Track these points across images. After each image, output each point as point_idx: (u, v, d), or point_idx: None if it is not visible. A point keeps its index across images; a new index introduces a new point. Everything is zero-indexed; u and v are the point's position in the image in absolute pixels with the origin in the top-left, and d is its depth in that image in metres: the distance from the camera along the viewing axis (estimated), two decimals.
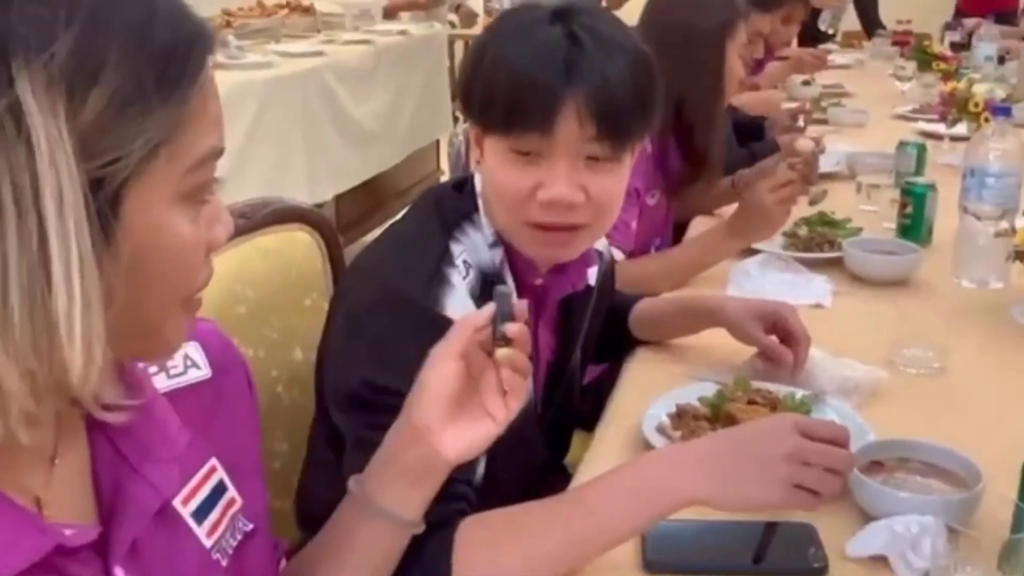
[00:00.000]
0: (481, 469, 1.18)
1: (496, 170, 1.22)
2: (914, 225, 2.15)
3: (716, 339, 1.60)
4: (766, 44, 3.75)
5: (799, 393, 1.40)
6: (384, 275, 1.23)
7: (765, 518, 1.12)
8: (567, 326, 1.41)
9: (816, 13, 4.66)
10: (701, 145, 2.14)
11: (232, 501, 0.87)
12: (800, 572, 1.08)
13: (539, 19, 1.20)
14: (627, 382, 1.55)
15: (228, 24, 4.14)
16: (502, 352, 0.93)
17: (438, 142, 5.45)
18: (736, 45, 2.14)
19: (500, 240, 1.27)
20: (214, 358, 0.91)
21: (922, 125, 3.31)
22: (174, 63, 0.65)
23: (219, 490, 0.86)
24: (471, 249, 1.25)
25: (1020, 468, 1.05)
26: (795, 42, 4.85)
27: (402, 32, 5.12)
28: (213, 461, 0.86)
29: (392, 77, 4.81)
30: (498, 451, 1.15)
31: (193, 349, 0.89)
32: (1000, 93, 2.83)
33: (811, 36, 5.13)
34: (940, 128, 3.15)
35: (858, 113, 3.54)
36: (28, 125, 0.58)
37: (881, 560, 1.08)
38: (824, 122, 3.42)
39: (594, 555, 1.06)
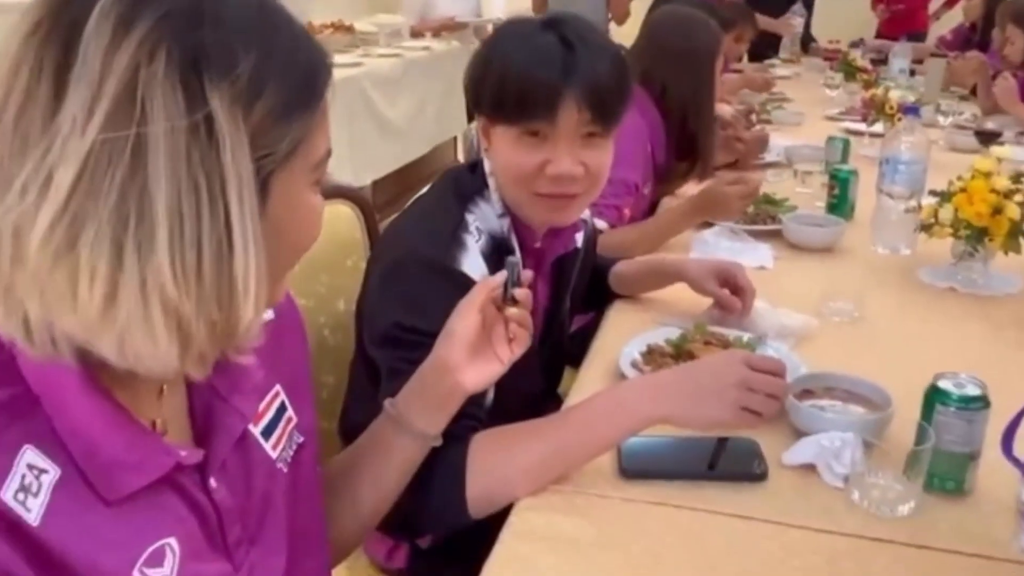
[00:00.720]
0: (491, 396, 1.17)
1: (507, 152, 1.21)
2: (840, 203, 2.12)
3: (679, 293, 1.59)
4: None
5: (745, 336, 1.39)
6: (412, 240, 1.22)
7: (717, 434, 1.12)
8: (559, 281, 1.40)
9: (762, 34, 4.59)
10: (700, 147, 2.13)
11: (290, 419, 0.87)
12: (746, 477, 1.07)
13: (534, 29, 1.20)
14: (607, 328, 1.53)
15: None
16: (510, 310, 0.97)
17: (456, 137, 5.40)
18: (719, 64, 2.12)
19: (507, 211, 1.26)
20: (278, 307, 0.91)
21: (847, 124, 3.26)
22: (311, 81, 0.67)
23: (281, 410, 0.86)
24: (482, 218, 1.24)
25: (923, 394, 1.05)
26: (745, 58, 4.82)
27: (426, 48, 5.04)
28: (277, 387, 0.86)
29: (418, 84, 4.75)
30: (506, 381, 1.15)
31: None
32: (911, 98, 2.80)
33: (758, 54, 5.08)
34: (862, 126, 3.11)
35: (796, 115, 3.49)
36: (218, 132, 0.59)
37: (810, 468, 1.07)
38: (768, 122, 3.39)
39: (580, 463, 1.05)
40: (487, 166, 1.27)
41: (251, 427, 0.81)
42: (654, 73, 2.08)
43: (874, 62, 4.49)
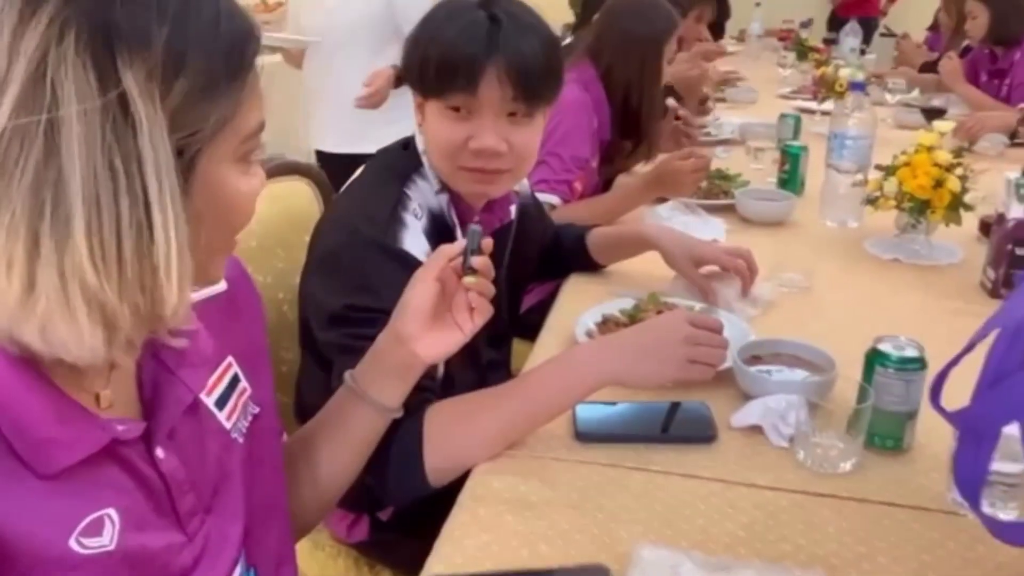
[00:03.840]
0: (441, 370, 1.20)
1: (435, 126, 1.22)
2: (791, 179, 2.18)
3: (639, 266, 1.63)
4: (680, 39, 3.74)
5: (697, 305, 1.43)
6: (353, 221, 1.21)
7: (670, 399, 1.16)
8: (497, 252, 1.41)
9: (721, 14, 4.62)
10: (644, 128, 2.16)
11: (244, 390, 0.87)
12: (696, 439, 1.10)
13: (467, 6, 1.20)
14: (563, 300, 1.56)
15: None
16: (469, 279, 0.95)
17: None
18: (669, 51, 2.15)
19: (444, 187, 1.27)
20: (228, 274, 0.89)
21: (799, 102, 3.33)
22: (236, 54, 0.65)
23: (234, 381, 0.86)
24: (421, 195, 1.24)
25: (863, 357, 1.09)
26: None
27: None
28: (230, 359, 0.86)
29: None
30: (450, 363, 1.18)
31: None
32: (860, 76, 2.86)
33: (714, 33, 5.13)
34: (813, 104, 3.19)
35: (750, 92, 3.55)
36: (133, 110, 0.58)
37: (758, 429, 1.11)
38: (723, 99, 3.44)
39: (535, 427, 1.08)
40: (419, 143, 1.28)
41: (203, 397, 0.81)
42: (602, 51, 2.12)
43: (826, 41, 4.57)
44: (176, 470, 0.75)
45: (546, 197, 1.88)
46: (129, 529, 0.70)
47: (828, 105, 2.91)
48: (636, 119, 2.13)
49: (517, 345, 1.59)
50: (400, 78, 1.32)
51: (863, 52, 4.22)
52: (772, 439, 1.10)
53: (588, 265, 1.65)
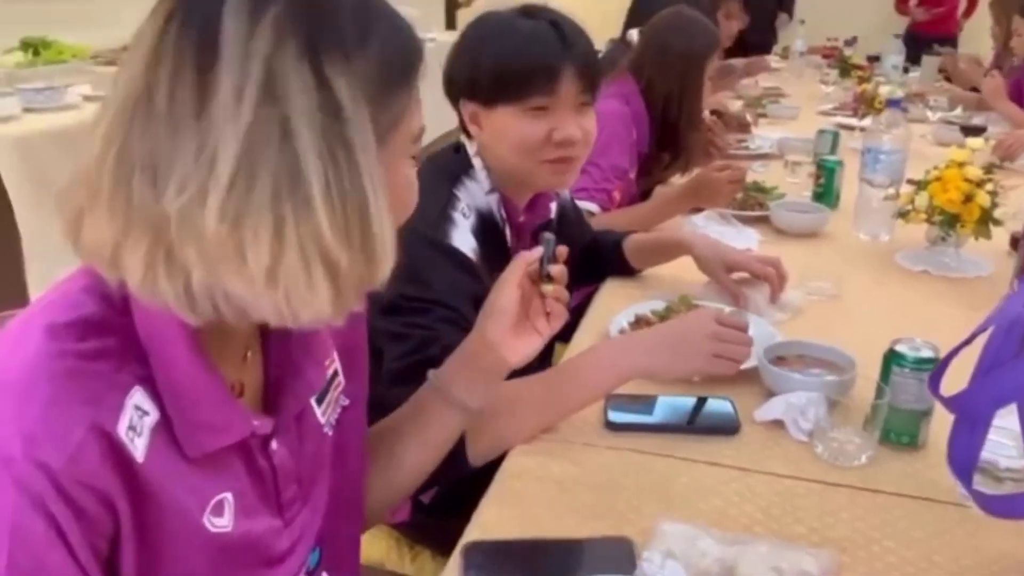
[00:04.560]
0: None
1: (513, 128, 1.30)
2: (826, 192, 2.22)
3: (668, 271, 1.70)
4: None
5: (727, 308, 1.48)
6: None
7: (697, 394, 1.22)
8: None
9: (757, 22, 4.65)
10: (681, 141, 2.21)
11: (339, 383, 0.90)
12: (719, 431, 1.16)
13: (512, 17, 1.31)
14: (599, 301, 1.63)
15: None
16: (547, 286, 0.98)
17: None
18: (710, 69, 2.20)
19: (494, 187, 1.35)
20: None
21: (839, 119, 3.36)
22: (408, 64, 0.71)
23: (333, 376, 0.89)
24: (470, 196, 1.32)
25: (882, 357, 1.14)
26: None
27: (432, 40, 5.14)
28: (334, 354, 0.89)
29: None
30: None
31: None
32: (900, 93, 2.89)
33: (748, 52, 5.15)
34: (853, 121, 3.22)
35: (791, 108, 3.59)
36: (344, 108, 0.64)
37: (779, 423, 1.16)
38: (764, 115, 3.48)
39: (569, 413, 1.14)
40: (471, 148, 1.36)
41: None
42: (644, 65, 2.18)
43: (869, 59, 4.58)
44: (285, 461, 0.80)
45: (585, 204, 1.95)
46: (240, 513, 0.75)
47: (868, 121, 2.94)
48: (674, 132, 2.19)
49: (556, 347, 1.66)
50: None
51: (906, 70, 4.23)
52: (792, 433, 1.15)
53: (624, 269, 1.72)
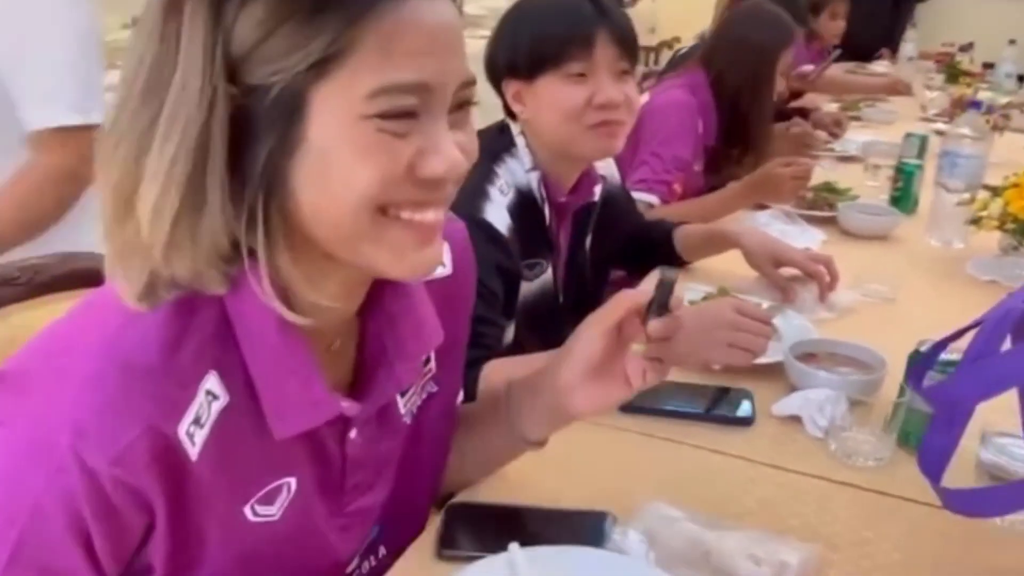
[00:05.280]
0: (510, 335, 1.28)
1: (554, 97, 1.31)
2: (903, 196, 2.13)
3: (719, 264, 1.66)
4: (819, 37, 3.67)
5: (765, 303, 1.45)
6: None
7: (719, 384, 1.20)
8: (579, 231, 1.49)
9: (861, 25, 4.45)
10: (751, 136, 2.16)
11: (430, 371, 0.86)
12: (733, 422, 1.14)
13: None
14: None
15: None
16: (654, 325, 0.78)
17: None
18: (784, 64, 2.14)
19: (536, 166, 1.36)
20: (456, 258, 0.88)
21: (939, 126, 3.21)
22: None
23: (425, 363, 0.85)
24: (510, 173, 1.34)
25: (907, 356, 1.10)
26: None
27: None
28: (433, 352, 0.85)
29: None
30: (524, 321, 1.25)
31: (444, 248, 0.78)
32: (1001, 100, 2.75)
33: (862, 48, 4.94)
34: (960, 130, 3.06)
35: (887, 113, 3.45)
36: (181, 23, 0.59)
37: (797, 419, 1.13)
38: (857, 118, 3.36)
39: None
40: (515, 128, 1.38)
41: None
42: (715, 57, 2.14)
43: (985, 65, 4.35)
44: (359, 450, 0.77)
45: (645, 196, 1.93)
46: (299, 498, 0.73)
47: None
48: (744, 127, 2.14)
49: None
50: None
51: (1022, 79, 3.99)
52: (808, 429, 1.12)
53: (674, 260, 1.69)
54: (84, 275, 0.96)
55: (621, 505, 0.94)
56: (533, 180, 1.35)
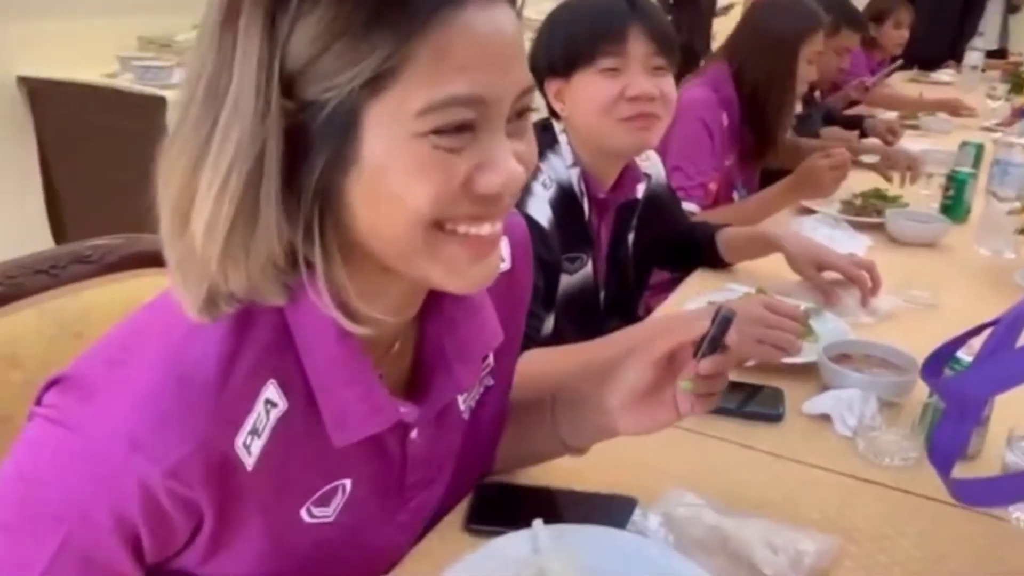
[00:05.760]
0: (550, 324, 1.31)
1: (589, 91, 1.35)
2: (955, 205, 2.10)
3: (762, 267, 1.67)
4: (880, 47, 3.62)
5: (803, 304, 1.45)
6: None
7: (752, 381, 1.22)
8: (620, 227, 1.52)
9: (925, 34, 4.37)
10: (768, 126, 2.13)
11: (488, 365, 0.86)
12: (764, 417, 1.15)
13: None
14: (684, 287, 1.63)
15: None
16: (704, 363, 0.78)
17: None
18: (809, 52, 2.08)
19: (577, 162, 1.39)
20: (514, 251, 0.88)
21: (1000, 136, 3.14)
22: (391, 6, 0.57)
23: (482, 360, 0.84)
24: (552, 169, 1.37)
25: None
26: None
27: None
28: (492, 354, 0.85)
29: None
30: (564, 313, 1.29)
31: (503, 242, 0.79)
32: None
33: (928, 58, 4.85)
34: (1013, 138, 3.00)
35: (945, 122, 3.39)
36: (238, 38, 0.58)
37: (827, 418, 1.14)
38: (915, 127, 3.31)
39: None
40: (557, 126, 1.41)
41: None
42: (738, 47, 2.13)
43: None
44: (419, 450, 0.77)
45: (685, 205, 1.94)
46: (356, 497, 0.73)
47: None
48: (762, 115, 2.11)
49: None
50: None
51: None
52: (837, 427, 1.13)
53: (716, 262, 1.71)
54: (149, 256, 1.02)
55: (645, 492, 0.96)
56: (574, 176, 1.38)
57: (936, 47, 4.92)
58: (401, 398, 0.73)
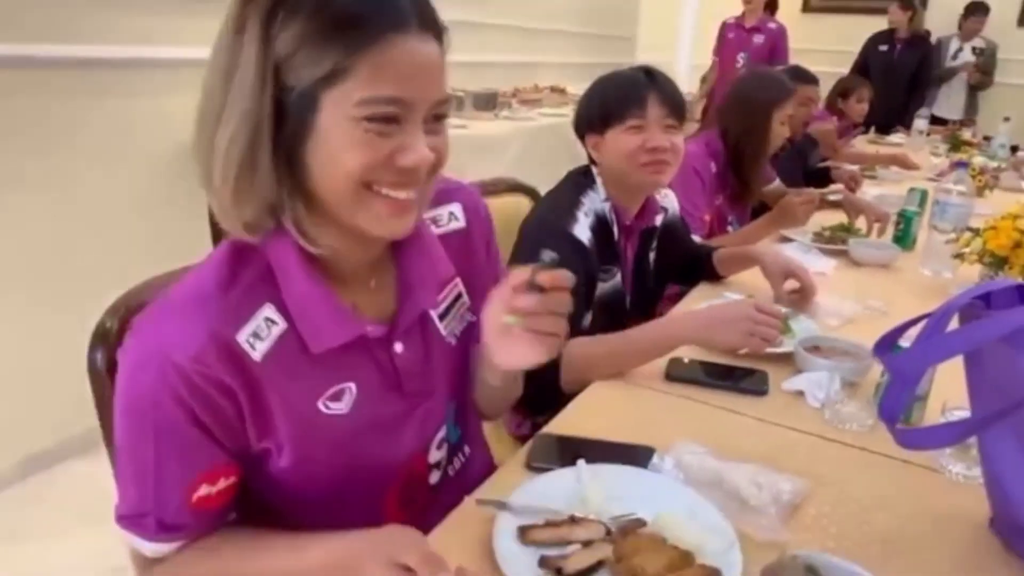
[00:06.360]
0: (588, 320, 1.34)
1: (618, 145, 1.38)
2: (904, 236, 2.08)
3: (751, 278, 1.68)
4: (846, 116, 3.56)
5: (784, 309, 1.45)
6: (543, 213, 1.39)
7: (743, 365, 1.23)
8: (642, 247, 1.54)
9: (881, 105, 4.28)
10: (745, 174, 2.13)
11: (464, 303, 0.87)
12: (753, 392, 1.15)
13: (617, 72, 1.40)
14: (691, 296, 1.63)
15: (515, 95, 4.11)
16: (520, 301, 0.69)
17: None
18: (781, 115, 2.09)
19: (609, 197, 1.41)
20: (468, 214, 0.89)
21: (940, 183, 3.07)
22: (350, 25, 0.63)
23: (457, 298, 0.87)
24: (590, 202, 1.39)
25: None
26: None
27: None
28: (457, 280, 0.86)
29: None
30: (599, 313, 1.31)
31: (457, 207, 0.87)
32: (992, 164, 2.63)
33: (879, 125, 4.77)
34: (950, 184, 2.94)
35: (897, 174, 3.33)
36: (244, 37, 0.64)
37: (801, 393, 1.15)
38: (873, 177, 3.26)
39: (638, 364, 1.19)
40: (595, 170, 1.44)
41: (431, 312, 0.83)
42: (726, 113, 2.13)
43: (986, 138, 4.14)
44: (407, 361, 0.79)
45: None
46: (365, 399, 0.75)
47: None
48: (741, 164, 2.11)
49: None
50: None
51: (1015, 149, 3.77)
52: (809, 400, 1.14)
53: (714, 276, 1.72)
54: None
55: (661, 442, 0.99)
56: (607, 208, 1.41)
57: (890, 116, 4.85)
58: (382, 321, 0.77)
